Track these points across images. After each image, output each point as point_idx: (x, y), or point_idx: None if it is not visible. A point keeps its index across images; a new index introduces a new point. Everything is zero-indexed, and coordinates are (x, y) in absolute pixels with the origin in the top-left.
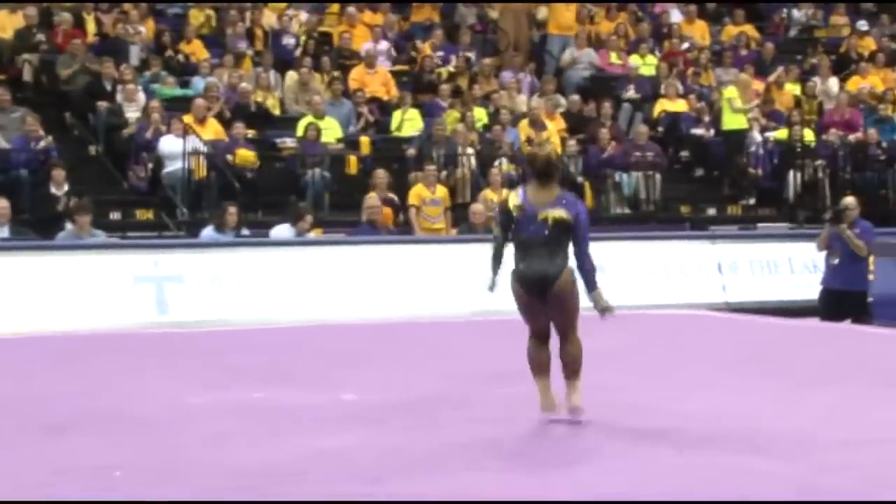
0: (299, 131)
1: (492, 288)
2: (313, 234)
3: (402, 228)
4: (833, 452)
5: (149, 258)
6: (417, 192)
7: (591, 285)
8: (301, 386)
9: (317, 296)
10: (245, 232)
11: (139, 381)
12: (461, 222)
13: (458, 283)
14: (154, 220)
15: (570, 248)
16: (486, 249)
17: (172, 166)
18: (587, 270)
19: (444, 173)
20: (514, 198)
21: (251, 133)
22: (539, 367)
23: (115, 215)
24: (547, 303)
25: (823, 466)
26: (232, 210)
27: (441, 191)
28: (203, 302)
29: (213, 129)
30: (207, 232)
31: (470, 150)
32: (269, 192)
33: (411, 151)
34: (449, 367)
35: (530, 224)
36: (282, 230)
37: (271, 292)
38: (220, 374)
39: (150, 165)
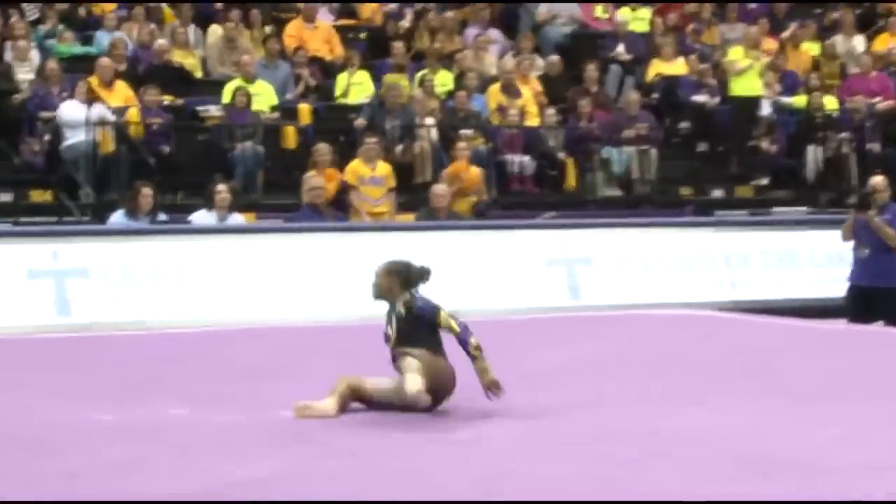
0: (226, 97)
1: None
2: (243, 220)
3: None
4: (853, 478)
5: (47, 249)
6: (354, 169)
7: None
8: (226, 401)
9: (247, 293)
10: (162, 217)
11: (30, 396)
12: (419, 206)
13: None
14: (53, 203)
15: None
16: (451, 240)
17: (74, 138)
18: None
19: (399, 148)
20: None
21: (167, 99)
22: None
23: (4, 197)
24: None
25: (842, 494)
26: (146, 191)
27: (383, 168)
28: (112, 300)
29: (122, 95)
30: (117, 217)
31: (430, 121)
32: (189, 170)
33: (360, 122)
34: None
35: None
36: (204, 216)
37: (193, 289)
38: (130, 386)
39: (47, 137)
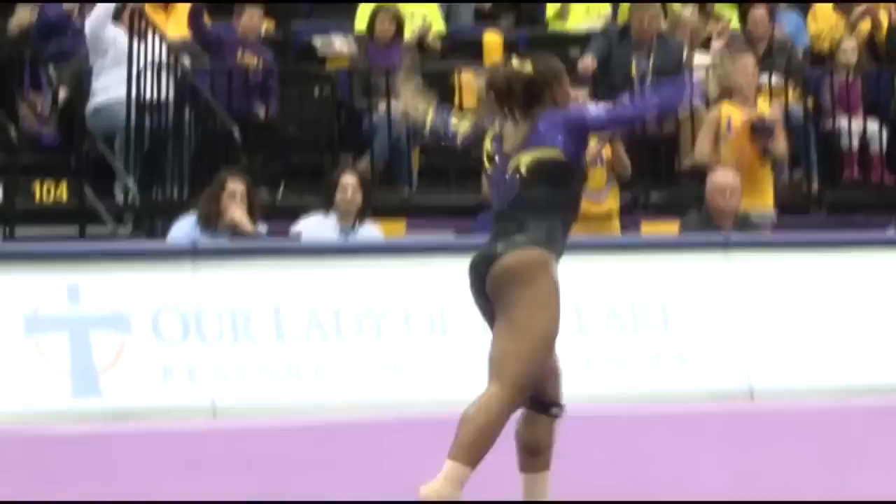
0: (360, 23)
1: None
2: (377, 233)
3: None
4: None
5: (59, 281)
6: None
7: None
8: None
9: (386, 358)
10: (260, 229)
11: None
12: (685, 207)
13: None
14: (70, 204)
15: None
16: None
17: (108, 94)
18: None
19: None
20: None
21: (266, 25)
22: (525, 449)
23: None
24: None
25: None
26: (234, 186)
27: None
28: (166, 369)
29: (183, 21)
30: (182, 229)
31: (702, 60)
32: (299, 146)
33: (587, 62)
34: None
35: (501, 182)
36: (320, 224)
37: (297, 349)
38: None
39: (62, 93)
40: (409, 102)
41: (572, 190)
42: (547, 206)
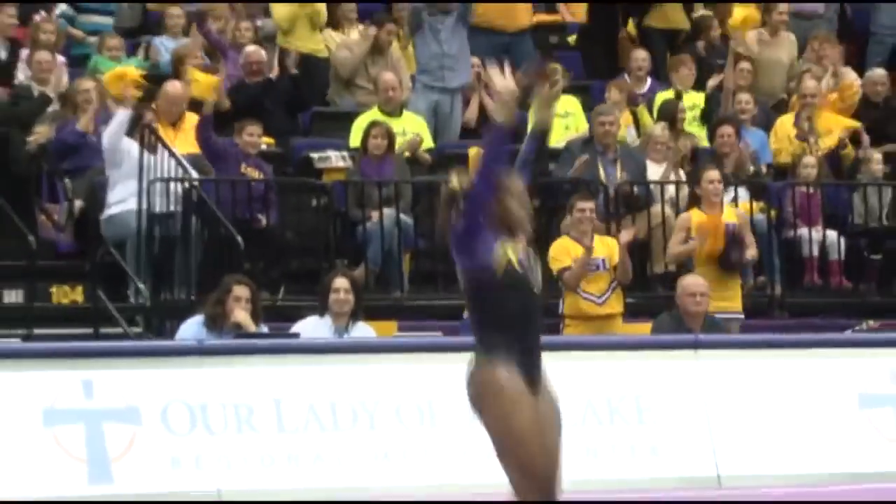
0: (355, 138)
1: None
2: (371, 331)
3: None
4: None
5: (75, 378)
6: (562, 250)
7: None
8: None
9: (384, 451)
10: (263, 330)
11: None
12: (659, 308)
13: None
14: (85, 306)
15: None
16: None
17: (121, 204)
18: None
19: (629, 218)
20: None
21: (267, 142)
22: None
23: (12, 296)
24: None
25: None
26: (240, 291)
27: (605, 246)
28: (174, 459)
29: (190, 137)
30: (189, 329)
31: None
32: (297, 252)
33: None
34: None
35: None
36: (315, 325)
37: (298, 442)
38: None
39: (79, 203)
40: None
41: (494, 295)
42: (477, 324)
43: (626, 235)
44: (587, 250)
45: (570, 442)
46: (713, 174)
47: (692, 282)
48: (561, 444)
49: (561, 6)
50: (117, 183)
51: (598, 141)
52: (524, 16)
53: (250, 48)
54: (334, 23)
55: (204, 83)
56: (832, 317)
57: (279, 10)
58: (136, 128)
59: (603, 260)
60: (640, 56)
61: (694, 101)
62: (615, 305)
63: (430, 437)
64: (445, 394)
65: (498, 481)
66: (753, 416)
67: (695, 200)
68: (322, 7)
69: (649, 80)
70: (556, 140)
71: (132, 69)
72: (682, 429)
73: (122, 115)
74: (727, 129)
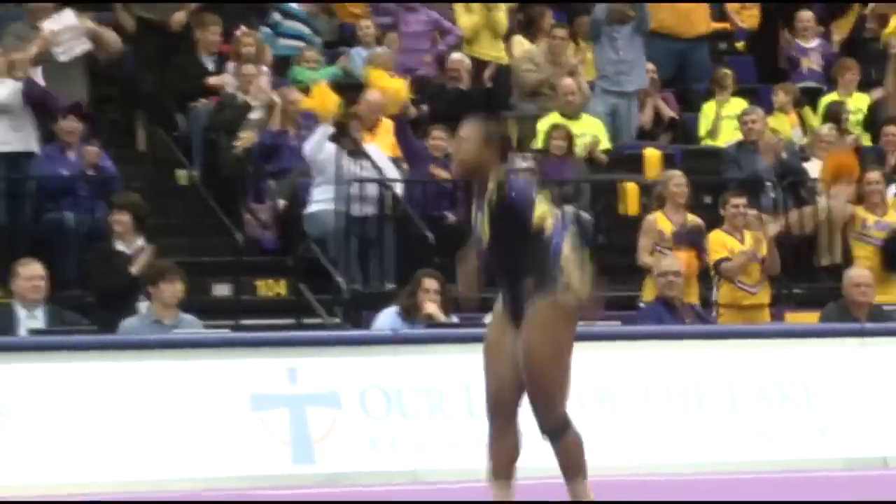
0: (537, 139)
1: None
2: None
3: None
4: None
5: (279, 365)
6: (719, 243)
7: None
8: None
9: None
10: (452, 318)
11: None
12: (825, 299)
13: None
14: (288, 298)
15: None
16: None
17: (321, 203)
18: None
19: (793, 214)
20: None
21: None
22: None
23: (220, 290)
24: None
25: None
26: (430, 284)
27: (754, 240)
28: (373, 440)
29: (389, 140)
30: (386, 319)
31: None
32: None
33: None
34: None
35: None
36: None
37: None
38: None
39: (282, 202)
40: (465, 283)
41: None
42: None
43: (774, 229)
44: (756, 242)
45: (741, 423)
46: (874, 175)
47: (858, 273)
48: (514, 378)
49: (731, 13)
50: (319, 184)
51: (747, 139)
52: (702, 22)
53: (456, 55)
54: (527, 29)
55: (392, 89)
56: None
57: (464, 20)
58: (338, 139)
59: (755, 252)
60: (806, 16)
61: (858, 104)
62: (764, 296)
63: None
64: (620, 380)
65: None
66: None
67: (858, 199)
68: (503, 16)
69: (817, 39)
70: (726, 140)
71: (332, 96)
72: (849, 412)
73: (323, 130)
74: (893, 129)
